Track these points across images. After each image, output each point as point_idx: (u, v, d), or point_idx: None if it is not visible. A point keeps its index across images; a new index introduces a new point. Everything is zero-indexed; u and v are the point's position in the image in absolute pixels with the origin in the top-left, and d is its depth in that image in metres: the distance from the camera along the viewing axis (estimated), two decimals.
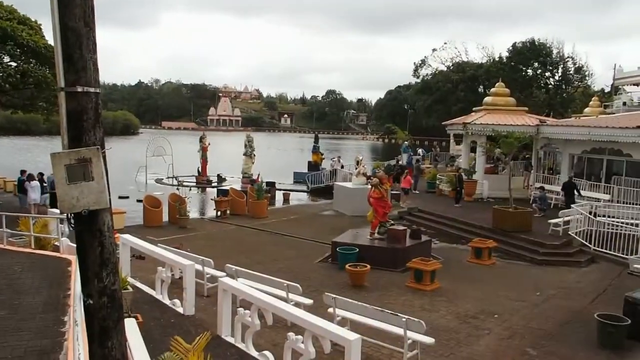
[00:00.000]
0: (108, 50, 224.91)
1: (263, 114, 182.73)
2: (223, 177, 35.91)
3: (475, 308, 11.45)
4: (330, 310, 9.32)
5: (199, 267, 11.10)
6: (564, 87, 57.78)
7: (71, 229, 3.20)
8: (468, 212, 21.55)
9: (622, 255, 15.19)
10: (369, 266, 13.21)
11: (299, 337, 6.83)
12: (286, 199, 29.55)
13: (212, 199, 25.81)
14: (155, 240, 15.02)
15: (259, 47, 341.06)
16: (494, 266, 15.74)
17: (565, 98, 55.56)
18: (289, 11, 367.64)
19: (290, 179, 37.33)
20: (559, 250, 16.78)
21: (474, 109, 30.33)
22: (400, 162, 35.68)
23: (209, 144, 37.09)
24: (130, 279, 10.15)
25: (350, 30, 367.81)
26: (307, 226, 21.61)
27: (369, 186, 16.77)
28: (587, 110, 36.83)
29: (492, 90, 29.65)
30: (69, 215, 3.10)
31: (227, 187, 28.49)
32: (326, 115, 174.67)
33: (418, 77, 73.05)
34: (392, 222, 17.20)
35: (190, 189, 30.93)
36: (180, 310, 9.77)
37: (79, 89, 3.03)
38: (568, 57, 56.59)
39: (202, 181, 35.54)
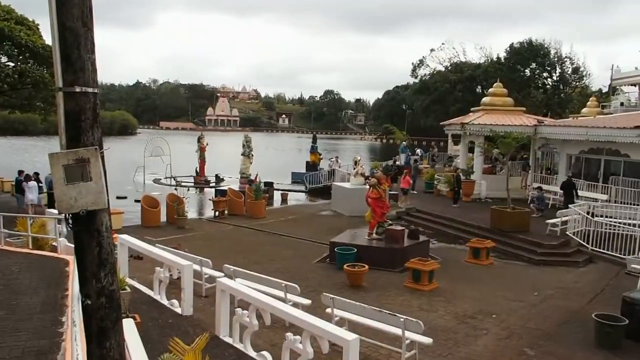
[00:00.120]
0: (107, 50, 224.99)
1: (261, 114, 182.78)
2: (221, 177, 35.92)
3: (473, 308, 11.46)
4: (329, 310, 9.31)
5: (197, 267, 11.10)
6: (561, 87, 57.89)
7: (69, 229, 3.19)
8: (466, 212, 21.57)
9: (619, 255, 15.23)
10: (367, 266, 13.22)
11: (297, 337, 6.83)
12: (284, 199, 29.55)
13: (210, 199, 25.79)
14: (153, 241, 15.03)
15: (259, 47, 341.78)
16: (491, 266, 15.76)
17: (562, 98, 55.64)
18: (288, 11, 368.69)
19: (288, 179, 37.34)
20: (557, 250, 16.81)
21: (471, 109, 30.40)
22: (397, 163, 35.69)
23: (207, 144, 37.06)
24: (128, 280, 10.12)
25: (349, 30, 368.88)
26: (305, 226, 21.60)
27: (367, 186, 16.77)
28: (584, 110, 36.89)
29: (490, 90, 29.68)
30: (67, 215, 3.10)
31: (225, 188, 28.50)
32: (324, 115, 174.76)
33: (416, 77, 73.23)
34: (390, 222, 17.23)
35: (188, 189, 30.97)
36: (178, 310, 9.75)
37: (77, 89, 3.02)
38: (566, 57, 56.81)
39: (200, 181, 35.52)
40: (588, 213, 17.49)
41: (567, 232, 17.37)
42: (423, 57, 70.37)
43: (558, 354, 9.21)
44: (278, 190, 30.91)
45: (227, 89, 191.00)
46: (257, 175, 28.47)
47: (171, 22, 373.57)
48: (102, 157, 3.12)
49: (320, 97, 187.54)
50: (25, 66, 22.35)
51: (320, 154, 41.06)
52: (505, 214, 18.35)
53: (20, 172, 22.59)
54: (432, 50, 68.47)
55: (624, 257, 14.75)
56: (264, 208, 24.30)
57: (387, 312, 8.82)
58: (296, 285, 10.07)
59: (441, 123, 32.53)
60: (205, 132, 56.51)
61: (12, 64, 22.75)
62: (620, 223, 16.28)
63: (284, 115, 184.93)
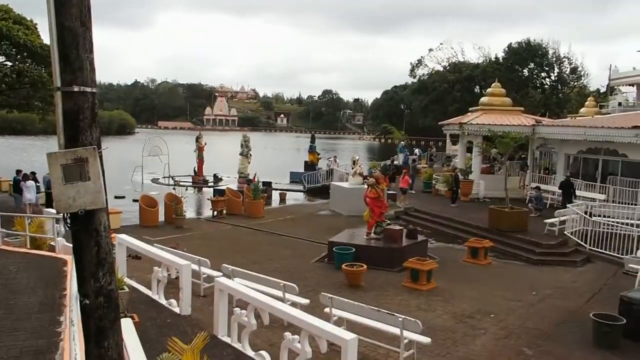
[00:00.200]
0: (107, 50, 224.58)
1: (259, 114, 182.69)
2: (219, 177, 35.89)
3: (471, 308, 11.48)
4: (327, 310, 9.32)
5: (195, 267, 11.10)
6: (559, 87, 57.95)
7: (67, 228, 3.19)
8: (464, 212, 21.59)
9: (617, 255, 15.27)
10: (365, 266, 13.23)
11: (296, 337, 6.84)
12: (282, 199, 29.56)
13: (208, 199, 25.79)
14: (152, 240, 15.03)
15: (258, 47, 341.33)
16: (490, 266, 15.77)
17: (561, 98, 55.71)
18: (288, 11, 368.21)
19: (286, 178, 37.34)
20: (555, 250, 16.83)
21: (470, 109, 30.40)
22: (395, 162, 35.72)
23: (205, 144, 37.01)
24: (126, 279, 10.13)
25: (349, 30, 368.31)
26: (304, 226, 21.61)
27: (365, 186, 16.78)
28: (582, 110, 36.96)
29: (488, 90, 29.71)
30: (65, 215, 3.09)
31: (224, 187, 28.46)
32: (322, 115, 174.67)
33: (414, 77, 73.26)
34: (389, 221, 17.23)
35: (186, 189, 30.91)
36: (177, 310, 9.75)
37: (76, 89, 3.02)
38: (564, 57, 56.86)
39: (199, 181, 35.49)
40: (586, 213, 17.53)
41: (565, 232, 17.40)
42: (421, 57, 70.48)
43: (556, 353, 9.23)
44: (276, 189, 30.94)
45: (225, 88, 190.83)
46: (255, 174, 28.45)
47: (171, 22, 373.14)
48: (101, 157, 3.12)
49: (319, 96, 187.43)
50: (23, 66, 22.35)
51: (318, 154, 41.05)
52: (504, 214, 18.37)
53: (18, 172, 22.58)
54: (430, 50, 68.60)
55: (622, 256, 14.81)
56: (262, 208, 24.30)
57: (386, 311, 8.83)
58: (294, 285, 10.07)
59: (439, 123, 32.56)
60: (204, 131, 56.36)
61: (10, 64, 22.75)
62: (618, 223, 16.33)
63: (282, 115, 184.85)
